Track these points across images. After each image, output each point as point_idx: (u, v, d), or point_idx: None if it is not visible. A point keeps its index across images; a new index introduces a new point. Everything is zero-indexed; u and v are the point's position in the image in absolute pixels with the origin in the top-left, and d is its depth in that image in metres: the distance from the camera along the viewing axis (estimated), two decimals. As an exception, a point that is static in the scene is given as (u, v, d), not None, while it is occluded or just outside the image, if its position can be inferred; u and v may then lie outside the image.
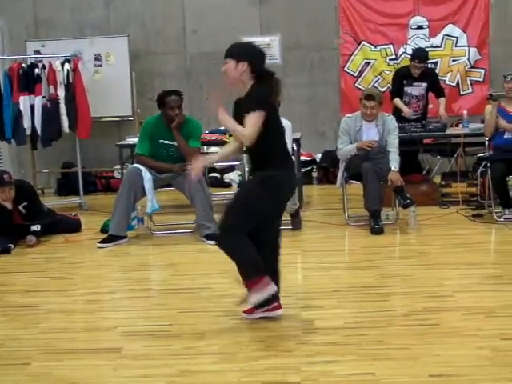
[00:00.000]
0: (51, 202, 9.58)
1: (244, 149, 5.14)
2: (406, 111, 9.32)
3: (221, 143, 8.97)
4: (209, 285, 6.00)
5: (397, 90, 9.53)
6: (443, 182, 9.00)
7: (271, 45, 11.22)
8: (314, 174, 10.89)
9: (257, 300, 4.90)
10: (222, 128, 9.16)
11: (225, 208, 4.99)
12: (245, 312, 5.11)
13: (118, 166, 9.61)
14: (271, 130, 4.89)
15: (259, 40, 11.09)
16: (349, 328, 4.86)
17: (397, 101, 9.42)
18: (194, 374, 4.25)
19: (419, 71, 9.33)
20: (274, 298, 4.95)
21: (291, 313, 5.18)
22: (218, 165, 10.94)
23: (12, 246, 7.54)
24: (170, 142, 7.82)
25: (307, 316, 5.10)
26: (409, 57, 9.89)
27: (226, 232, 4.92)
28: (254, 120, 4.79)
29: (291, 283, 5.85)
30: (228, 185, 10.95)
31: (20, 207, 7.79)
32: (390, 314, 5.13)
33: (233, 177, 11.03)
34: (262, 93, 4.86)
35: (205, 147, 9.33)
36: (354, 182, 8.05)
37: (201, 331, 4.91)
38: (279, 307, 5.03)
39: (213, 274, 6.35)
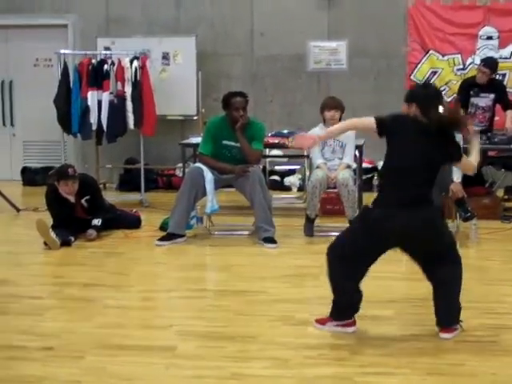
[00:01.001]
0: (113, 197, 9.69)
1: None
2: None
3: (283, 146, 8.99)
4: (265, 288, 6.00)
5: (463, 100, 9.39)
6: (506, 196, 8.87)
7: (338, 50, 11.18)
8: (375, 182, 10.81)
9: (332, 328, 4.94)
10: (285, 131, 9.20)
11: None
12: (317, 321, 5.07)
13: (180, 165, 9.66)
14: None
15: (326, 45, 11.11)
16: (404, 340, 4.81)
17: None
18: (246, 378, 4.26)
19: (485, 78, 9.15)
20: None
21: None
22: (279, 168, 10.95)
23: (72, 238, 7.64)
24: (233, 143, 7.84)
25: (362, 326, 5.04)
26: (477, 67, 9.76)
27: None
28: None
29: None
30: (288, 188, 10.92)
31: (82, 201, 7.89)
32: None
33: (293, 180, 11.00)
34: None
35: (267, 149, 9.34)
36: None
37: (254, 335, 4.92)
38: (352, 324, 5.00)
39: (269, 277, 6.36)
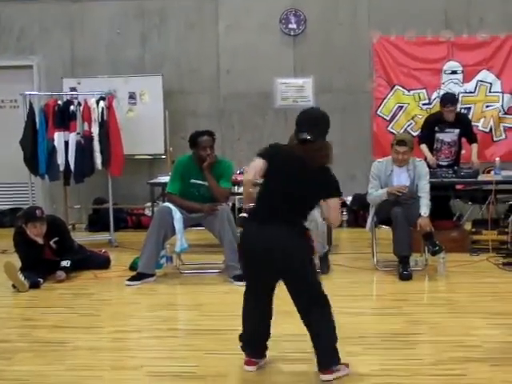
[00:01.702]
0: (82, 237, 9.64)
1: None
2: (430, 159, 9.22)
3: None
4: (235, 327, 5.92)
5: (426, 135, 9.49)
6: (474, 229, 8.94)
7: (304, 87, 11.29)
8: (344, 217, 10.86)
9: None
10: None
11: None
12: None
13: (149, 204, 9.68)
14: None
15: (292, 81, 11.21)
16: (375, 376, 4.82)
17: (423, 147, 9.37)
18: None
19: (453, 115, 9.29)
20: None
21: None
22: (247, 206, 10.93)
23: (41, 280, 7.59)
24: (201, 182, 7.86)
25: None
26: (441, 102, 9.88)
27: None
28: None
29: (318, 328, 5.83)
30: (257, 225, 10.91)
31: (51, 242, 7.84)
32: (417, 362, 5.07)
33: (262, 217, 11.00)
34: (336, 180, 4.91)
35: (236, 187, 9.37)
36: (383, 226, 8.02)
37: (225, 373, 4.91)
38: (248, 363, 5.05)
39: (239, 315, 6.28)
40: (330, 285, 7.37)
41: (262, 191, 4.91)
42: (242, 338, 5.09)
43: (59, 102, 9.66)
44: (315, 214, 7.67)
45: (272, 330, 5.06)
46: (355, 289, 7.24)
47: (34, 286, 7.47)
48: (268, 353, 5.12)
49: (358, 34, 11.17)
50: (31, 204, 9.59)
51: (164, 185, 8.46)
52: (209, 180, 7.78)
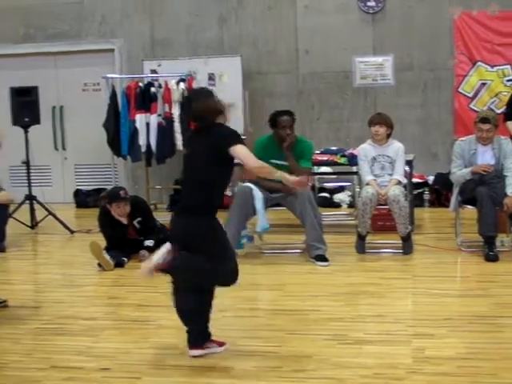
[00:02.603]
0: (164, 217, 9.72)
1: None
2: None
3: (332, 163, 9.02)
4: (317, 307, 5.98)
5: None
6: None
7: (384, 65, 11.16)
8: (426, 197, 10.73)
9: None
10: (334, 148, 9.22)
11: None
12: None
13: (230, 184, 9.71)
14: None
15: (371, 60, 11.09)
16: (461, 359, 4.73)
17: (509, 124, 9.14)
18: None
19: None
20: None
21: (401, 340, 5.12)
22: (328, 185, 10.93)
23: (126, 259, 7.73)
24: (282, 162, 7.84)
25: (418, 344, 5.01)
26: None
27: None
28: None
29: (401, 309, 5.80)
30: (338, 205, 10.91)
31: (134, 222, 7.97)
32: (506, 346, 4.96)
33: (342, 197, 10.99)
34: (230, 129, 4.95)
35: (316, 167, 9.34)
36: (468, 206, 7.87)
37: (309, 354, 4.90)
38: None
39: (321, 295, 6.34)
40: (414, 265, 7.35)
41: None
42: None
43: (140, 85, 9.80)
44: (398, 194, 7.60)
45: (352, 312, 5.02)
46: (439, 270, 7.13)
47: (119, 265, 7.61)
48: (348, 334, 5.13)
49: (438, 10, 10.95)
50: (114, 185, 9.76)
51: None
52: (289, 160, 7.76)
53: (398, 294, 6.25)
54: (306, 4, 11.27)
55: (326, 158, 9.01)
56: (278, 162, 7.84)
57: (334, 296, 6.30)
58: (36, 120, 9.99)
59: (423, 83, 11.10)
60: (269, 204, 7.88)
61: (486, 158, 7.72)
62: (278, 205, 8.00)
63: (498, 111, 10.10)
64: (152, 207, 10.04)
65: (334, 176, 10.50)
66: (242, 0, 11.41)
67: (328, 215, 9.54)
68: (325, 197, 10.89)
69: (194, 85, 10.03)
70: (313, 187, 9.87)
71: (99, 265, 7.55)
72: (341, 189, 11.09)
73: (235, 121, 10.78)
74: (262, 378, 4.56)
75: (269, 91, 11.38)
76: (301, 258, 7.79)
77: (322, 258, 7.46)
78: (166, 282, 6.89)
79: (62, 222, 9.73)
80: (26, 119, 9.88)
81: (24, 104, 9.91)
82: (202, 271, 4.85)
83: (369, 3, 11.13)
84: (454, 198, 7.92)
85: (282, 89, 11.43)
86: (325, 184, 10.93)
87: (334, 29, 11.19)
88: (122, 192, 7.88)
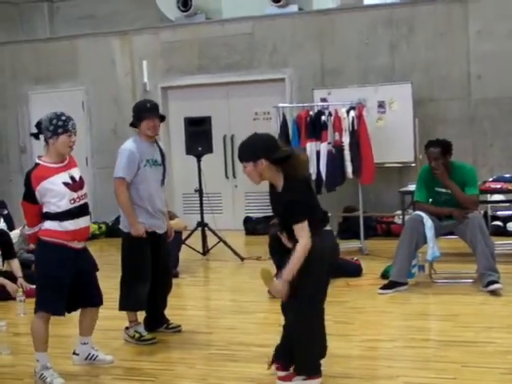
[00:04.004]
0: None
1: None
2: None
3: (505, 191, 8.78)
4: (493, 339, 5.83)
5: None
6: None
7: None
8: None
9: None
10: (507, 175, 8.98)
11: None
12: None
13: (399, 212, 9.64)
14: None
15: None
16: None
17: None
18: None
19: None
20: None
21: None
22: (501, 213, 10.64)
23: (296, 287, 7.78)
24: (445, 190, 7.73)
25: None
26: None
27: None
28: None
29: None
30: (511, 234, 10.58)
31: (304, 250, 8.02)
32: None
33: (517, 225, 10.67)
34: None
35: (488, 195, 9.12)
36: None
37: None
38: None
39: (497, 327, 6.18)
40: None
41: None
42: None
43: (311, 113, 9.88)
44: None
45: None
46: None
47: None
48: None
49: None
50: (284, 213, 9.85)
51: (413, 193, 8.40)
52: (451, 188, 7.62)
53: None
54: (478, 29, 11.06)
55: (499, 186, 8.78)
56: (441, 189, 7.73)
57: (510, 328, 6.12)
58: (209, 149, 10.30)
59: None
60: (439, 232, 7.76)
61: None
62: (449, 233, 7.87)
63: None
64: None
65: (508, 204, 10.21)
66: (413, 27, 11.35)
67: (501, 244, 9.27)
68: (498, 225, 10.59)
69: (364, 112, 10.03)
70: (485, 215, 9.64)
71: (269, 292, 7.65)
72: (517, 217, 10.76)
73: (405, 148, 10.76)
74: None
75: (440, 118, 11.21)
76: (473, 287, 7.61)
77: (494, 283, 7.28)
78: (335, 312, 6.97)
79: (232, 249, 9.96)
80: (200, 148, 10.19)
81: (197, 134, 10.24)
82: None
83: (544, 26, 10.80)
84: None
85: (454, 115, 11.24)
86: (498, 212, 10.64)
87: (507, 53, 10.91)
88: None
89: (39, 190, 5.22)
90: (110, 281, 7.78)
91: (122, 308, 6.36)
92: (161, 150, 6.41)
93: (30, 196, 5.26)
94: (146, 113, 6.27)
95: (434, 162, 7.69)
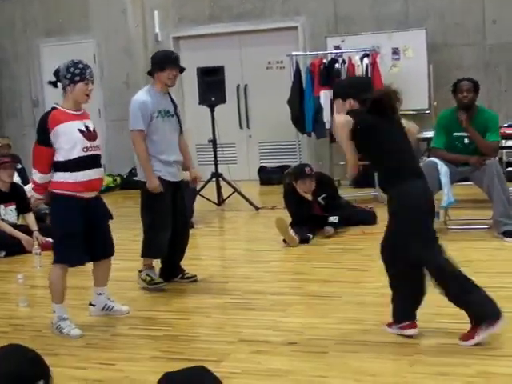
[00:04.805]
0: (348, 194, 9.78)
1: None
2: None
3: (526, 135, 8.72)
4: (506, 284, 5.84)
5: None
6: None
7: None
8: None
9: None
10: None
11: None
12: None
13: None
14: None
15: None
16: None
17: None
18: (493, 377, 4.17)
19: None
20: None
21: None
22: (517, 159, 10.60)
23: (311, 235, 7.82)
24: (465, 134, 7.68)
25: None
26: None
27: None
28: None
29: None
30: (527, 180, 10.54)
31: (319, 199, 8.05)
32: None
33: (533, 172, 10.60)
34: None
35: (503, 140, 9.06)
36: None
37: (498, 332, 4.76)
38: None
39: (510, 272, 6.18)
40: None
41: None
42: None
43: (324, 61, 9.82)
44: None
45: None
46: None
47: (304, 241, 7.71)
48: None
49: None
50: (298, 162, 9.87)
51: (429, 140, 8.37)
52: (472, 134, 7.57)
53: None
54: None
55: (514, 131, 8.76)
56: (461, 134, 7.68)
57: (524, 273, 6.14)
58: (222, 99, 10.25)
59: None
60: (455, 179, 7.72)
61: None
62: (465, 179, 7.84)
63: None
64: (336, 183, 10.07)
65: (524, 150, 10.15)
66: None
67: (517, 190, 9.23)
68: (512, 171, 10.54)
69: (378, 60, 9.95)
70: (501, 161, 9.59)
71: (284, 241, 7.69)
72: (530, 163, 10.70)
73: (420, 95, 10.69)
74: (449, 354, 4.51)
75: (455, 64, 11.10)
76: (488, 234, 7.60)
77: (509, 234, 7.26)
78: (350, 259, 7.00)
79: (247, 199, 9.97)
80: (213, 98, 10.15)
81: (210, 84, 10.18)
82: None
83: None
84: None
85: (469, 61, 11.13)
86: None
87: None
88: (307, 169, 7.98)
89: (54, 133, 5.19)
90: (126, 232, 7.88)
91: (143, 255, 6.40)
92: (173, 100, 6.39)
93: (44, 139, 5.24)
94: (169, 63, 6.23)
95: (466, 93, 7.62)
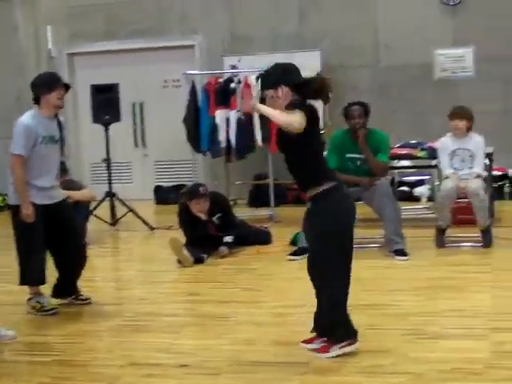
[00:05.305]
0: (243, 213, 9.81)
1: None
2: None
3: (412, 157, 8.94)
4: (396, 302, 5.95)
5: None
6: None
7: (464, 57, 11.00)
8: (507, 190, 10.57)
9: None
10: (413, 141, 9.13)
11: None
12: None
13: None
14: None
15: (452, 52, 10.95)
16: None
17: None
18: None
19: None
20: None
21: (480, 334, 5.06)
22: (407, 179, 10.84)
23: (205, 256, 7.80)
24: (357, 156, 7.82)
25: (497, 338, 4.94)
26: None
27: None
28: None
29: (481, 303, 5.73)
30: (417, 199, 10.80)
31: (214, 218, 8.05)
32: None
33: (422, 191, 10.88)
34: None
35: (395, 160, 9.26)
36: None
37: (387, 349, 4.88)
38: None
39: (400, 290, 6.31)
40: (493, 259, 7.26)
41: None
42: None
43: (220, 80, 9.85)
44: (478, 187, 7.51)
45: (431, 307, 4.98)
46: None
47: (199, 261, 7.68)
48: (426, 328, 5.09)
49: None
50: (194, 181, 9.85)
51: (323, 159, 8.47)
52: (365, 153, 7.73)
53: (478, 287, 6.18)
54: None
55: (405, 152, 8.95)
56: (354, 155, 7.82)
57: (413, 291, 6.26)
58: (116, 118, 10.16)
59: (506, 76, 10.86)
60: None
61: None
62: (356, 199, 7.94)
63: None
64: (232, 203, 10.10)
65: (414, 170, 10.40)
66: (321, -6, 11.40)
67: (408, 209, 9.44)
68: (404, 191, 10.80)
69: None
70: (392, 181, 9.79)
71: (179, 261, 7.65)
72: (420, 182, 10.97)
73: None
74: (339, 372, 4.57)
75: (350, 85, 11.24)
76: (379, 252, 7.75)
77: (401, 253, 7.42)
78: (245, 279, 7.01)
79: (142, 219, 9.88)
80: (107, 117, 10.04)
81: (104, 102, 10.07)
82: None
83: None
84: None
85: (364, 83, 11.33)
86: (404, 178, 10.84)
87: (414, 21, 11.04)
88: (201, 188, 7.97)
89: None
90: (9, 254, 7.58)
91: (20, 283, 6.19)
92: (60, 124, 6.21)
93: None
94: (57, 83, 6.06)
95: (357, 119, 7.75)
